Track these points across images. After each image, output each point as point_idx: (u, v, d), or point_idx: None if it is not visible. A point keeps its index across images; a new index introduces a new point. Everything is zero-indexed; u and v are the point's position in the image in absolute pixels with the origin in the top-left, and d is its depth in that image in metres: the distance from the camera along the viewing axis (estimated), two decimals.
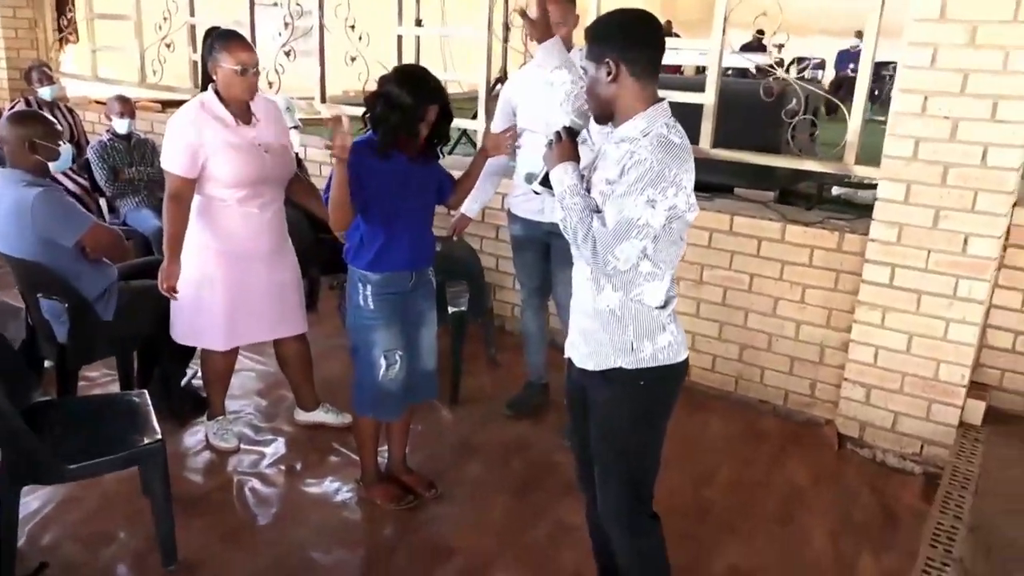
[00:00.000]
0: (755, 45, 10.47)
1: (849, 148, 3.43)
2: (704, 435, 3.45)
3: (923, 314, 3.11)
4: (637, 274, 1.82)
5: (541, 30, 2.23)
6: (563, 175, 1.84)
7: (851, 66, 11.33)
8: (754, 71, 9.97)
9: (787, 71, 10.60)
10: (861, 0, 3.47)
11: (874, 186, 4.20)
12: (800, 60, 11.13)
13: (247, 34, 5.26)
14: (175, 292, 2.83)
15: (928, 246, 3.06)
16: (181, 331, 3.02)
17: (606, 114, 1.87)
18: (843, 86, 9.80)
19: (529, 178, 2.56)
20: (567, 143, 1.89)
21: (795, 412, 3.58)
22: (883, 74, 11.98)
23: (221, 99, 2.81)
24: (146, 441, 2.39)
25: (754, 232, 3.53)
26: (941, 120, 2.96)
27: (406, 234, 2.54)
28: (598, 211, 1.79)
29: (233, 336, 3.01)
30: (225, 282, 2.91)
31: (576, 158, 1.89)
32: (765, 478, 3.14)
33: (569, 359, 2.05)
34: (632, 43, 1.81)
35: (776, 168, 3.81)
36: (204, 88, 2.89)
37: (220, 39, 2.79)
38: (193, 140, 2.75)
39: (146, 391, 2.72)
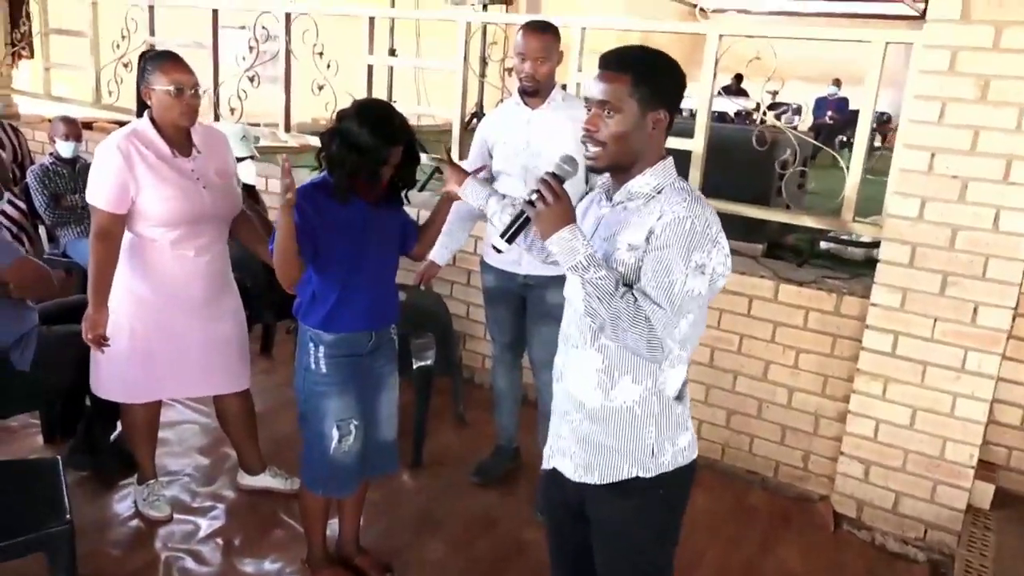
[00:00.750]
0: (734, 89, 10.42)
1: (847, 204, 3.21)
2: (689, 510, 3.13)
3: (928, 387, 2.88)
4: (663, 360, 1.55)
5: (457, 173, 2.02)
6: (572, 241, 1.50)
7: (828, 113, 11.36)
8: (732, 116, 9.96)
9: (764, 116, 10.62)
10: (839, 50, 3.32)
11: (864, 244, 4.06)
12: (776, 105, 11.12)
13: (209, 57, 4.98)
14: (104, 342, 2.49)
15: (935, 314, 2.83)
16: (96, 382, 2.69)
17: (621, 166, 1.58)
18: (820, 133, 9.74)
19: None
20: (565, 198, 1.53)
21: (786, 485, 3.32)
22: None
23: (157, 127, 2.51)
24: (53, 523, 2.04)
25: (744, 290, 3.29)
26: (949, 179, 2.75)
27: (365, 290, 2.24)
28: (625, 284, 1.51)
29: (150, 390, 2.68)
30: (144, 332, 2.59)
31: (575, 217, 1.54)
32: (756, 563, 2.86)
33: (553, 470, 1.72)
34: (680, 97, 1.60)
35: (764, 220, 3.59)
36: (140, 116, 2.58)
37: (152, 60, 2.50)
38: (122, 170, 2.44)
39: (58, 457, 2.37)
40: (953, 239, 2.77)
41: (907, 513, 2.98)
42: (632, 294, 1.47)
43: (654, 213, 1.52)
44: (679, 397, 1.63)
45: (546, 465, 1.74)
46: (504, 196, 1.93)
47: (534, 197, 1.53)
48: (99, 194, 2.46)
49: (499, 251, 1.67)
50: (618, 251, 1.54)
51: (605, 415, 1.61)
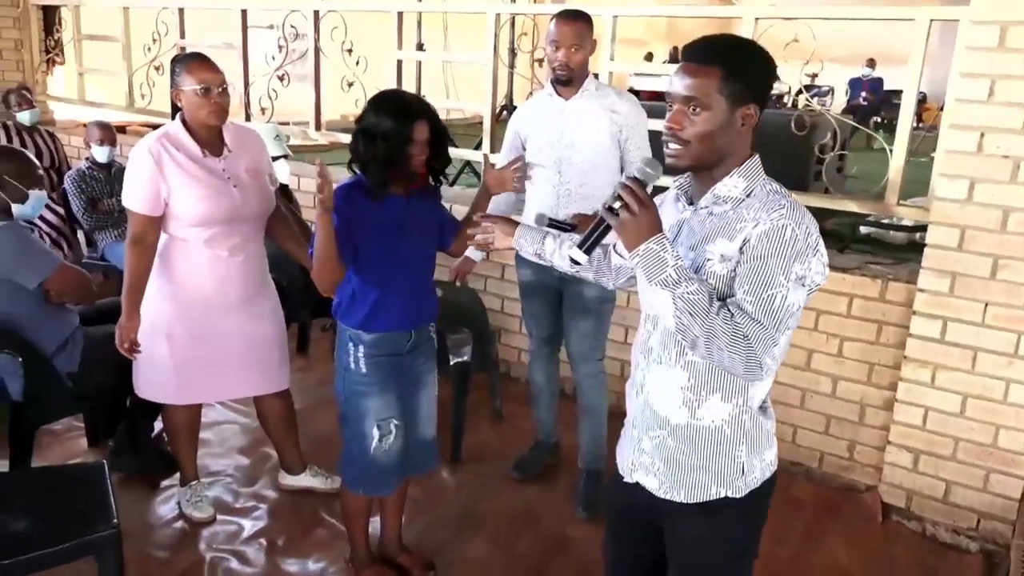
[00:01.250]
0: None
1: (891, 187, 3.13)
2: None
3: (979, 373, 2.79)
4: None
5: (504, 225, 1.91)
6: (661, 253, 1.36)
7: (863, 94, 11.13)
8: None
9: (806, 99, 10.45)
10: (871, 28, 3.24)
11: (907, 228, 3.95)
12: (808, 88, 10.93)
13: (239, 57, 5.00)
14: (136, 348, 2.51)
15: (985, 298, 2.74)
16: (138, 382, 2.71)
17: (706, 166, 1.45)
18: (855, 115, 9.55)
19: (540, 219, 2.25)
20: (652, 206, 1.38)
21: (831, 476, 3.25)
22: (894, 102, 11.83)
23: (188, 128, 2.52)
24: (99, 528, 2.05)
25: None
26: (1000, 159, 2.66)
27: (404, 288, 2.22)
28: (720, 299, 1.40)
29: (189, 392, 2.69)
30: (183, 334, 2.59)
31: (661, 227, 1.40)
32: (803, 556, 2.79)
33: (636, 484, 1.62)
34: (771, 89, 1.46)
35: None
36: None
37: (180, 62, 2.52)
38: (154, 173, 2.45)
39: (104, 461, 2.39)
40: (1004, 221, 2.67)
41: (958, 503, 2.90)
42: (727, 309, 1.36)
43: (747, 220, 1.39)
44: (763, 407, 1.55)
45: (628, 479, 1.63)
46: (558, 233, 1.87)
47: (617, 205, 1.38)
48: (134, 197, 2.47)
49: (577, 263, 1.55)
50: (709, 262, 1.42)
51: (691, 434, 1.51)
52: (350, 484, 2.37)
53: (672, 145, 1.44)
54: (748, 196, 1.43)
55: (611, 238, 1.50)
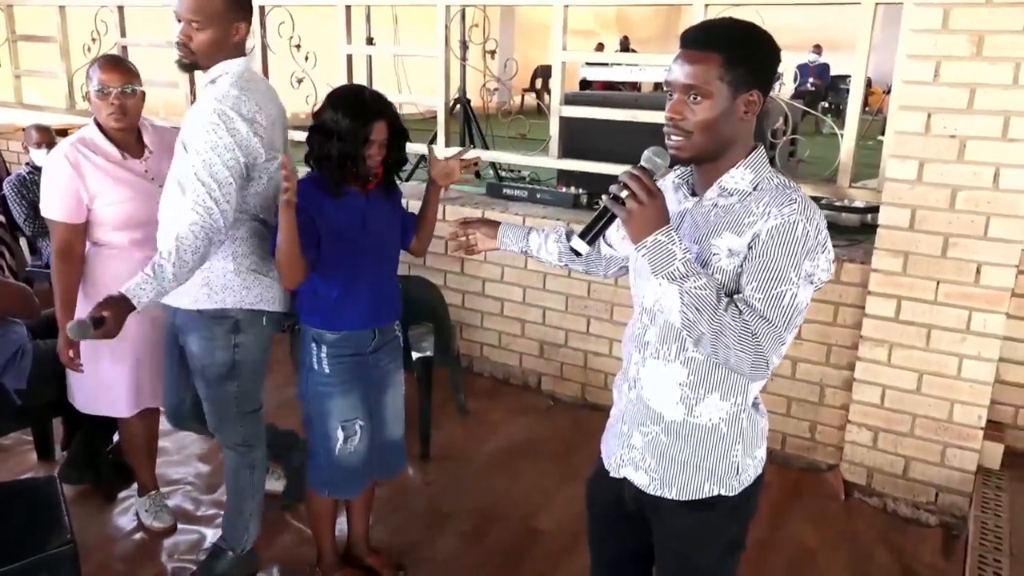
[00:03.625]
0: None
1: (843, 171, 3.17)
2: None
3: (934, 350, 2.85)
4: None
5: (487, 230, 1.93)
6: (669, 245, 1.31)
7: (810, 80, 11.32)
8: None
9: None
10: (817, 14, 3.29)
11: (859, 209, 4.02)
12: None
13: None
14: (79, 363, 2.42)
15: (937, 276, 2.80)
16: (80, 397, 2.62)
17: (710, 157, 1.40)
18: (803, 100, 9.70)
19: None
20: (660, 197, 1.33)
21: (793, 457, 3.29)
22: (841, 87, 12.07)
23: (103, 131, 2.46)
24: (53, 544, 1.97)
25: None
26: (947, 139, 2.71)
27: (368, 285, 2.18)
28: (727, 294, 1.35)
29: (138, 400, 2.61)
30: (123, 339, 2.49)
31: (669, 218, 1.34)
32: (769, 537, 2.83)
33: (624, 479, 1.59)
34: (773, 77, 1.41)
35: None
36: None
37: (90, 65, 2.46)
38: (72, 179, 2.37)
39: (55, 475, 2.31)
40: (953, 199, 2.73)
41: (917, 478, 2.96)
42: (736, 306, 1.31)
43: (756, 214, 1.35)
44: (755, 404, 1.52)
45: (616, 474, 1.60)
46: (543, 229, 1.86)
47: (624, 194, 1.32)
48: (54, 207, 2.39)
49: (578, 254, 1.43)
50: (715, 257, 1.37)
51: (687, 431, 1.48)
52: (316, 486, 2.33)
53: (674, 136, 1.39)
54: (755, 189, 1.38)
55: (611, 229, 1.47)
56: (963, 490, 2.88)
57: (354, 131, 2.02)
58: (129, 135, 2.48)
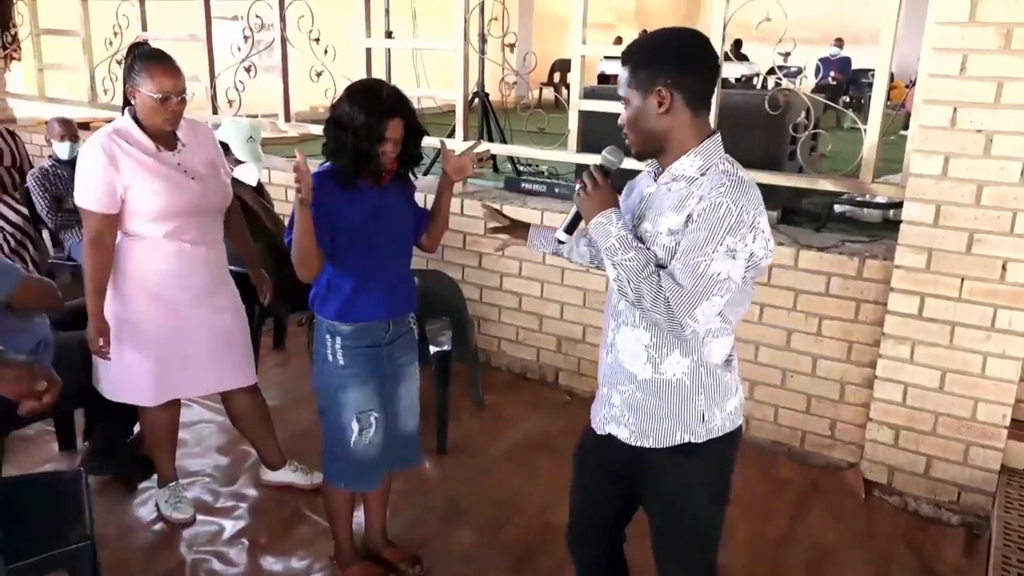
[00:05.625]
0: (733, 54, 10.26)
1: (866, 165, 3.13)
2: None
3: (957, 348, 2.81)
4: (706, 332, 1.62)
5: (517, 233, 2.10)
6: (607, 225, 1.58)
7: (831, 74, 11.19)
8: (732, 81, 9.80)
9: (764, 80, 10.40)
10: (838, 7, 3.24)
11: (882, 205, 3.97)
12: (780, 68, 10.98)
13: (203, 49, 4.89)
14: (108, 351, 2.45)
15: (961, 273, 2.76)
16: (106, 385, 2.64)
17: (652, 150, 1.64)
18: (824, 94, 9.60)
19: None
20: (604, 186, 1.62)
21: (813, 455, 3.26)
22: (862, 81, 11.92)
23: (139, 124, 2.45)
24: (73, 540, 1.98)
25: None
26: (973, 134, 2.67)
27: (382, 277, 2.18)
28: (660, 266, 1.55)
29: (164, 390, 2.63)
30: (152, 329, 2.54)
31: (616, 203, 1.63)
32: (788, 534, 2.81)
33: (608, 435, 1.77)
34: (688, 69, 1.58)
35: (778, 186, 3.50)
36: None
37: (141, 59, 2.41)
38: (107, 169, 2.38)
39: (81, 469, 2.32)
40: (979, 195, 2.69)
41: (939, 477, 2.93)
42: (658, 275, 1.52)
43: (694, 197, 1.53)
44: (727, 362, 1.68)
45: (600, 431, 1.78)
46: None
47: (578, 187, 1.63)
48: (88, 196, 2.40)
49: (561, 242, 1.79)
50: (660, 235, 1.57)
51: (656, 386, 1.66)
52: (332, 479, 2.34)
53: (626, 138, 1.66)
54: (703, 175, 1.56)
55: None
56: (986, 489, 2.84)
57: (369, 127, 2.01)
58: (168, 132, 2.49)
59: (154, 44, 5.11)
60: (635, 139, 1.63)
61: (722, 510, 1.76)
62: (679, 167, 1.60)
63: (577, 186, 1.64)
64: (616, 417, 1.74)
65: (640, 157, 1.68)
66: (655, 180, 1.67)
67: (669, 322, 1.50)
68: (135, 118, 2.45)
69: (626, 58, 1.61)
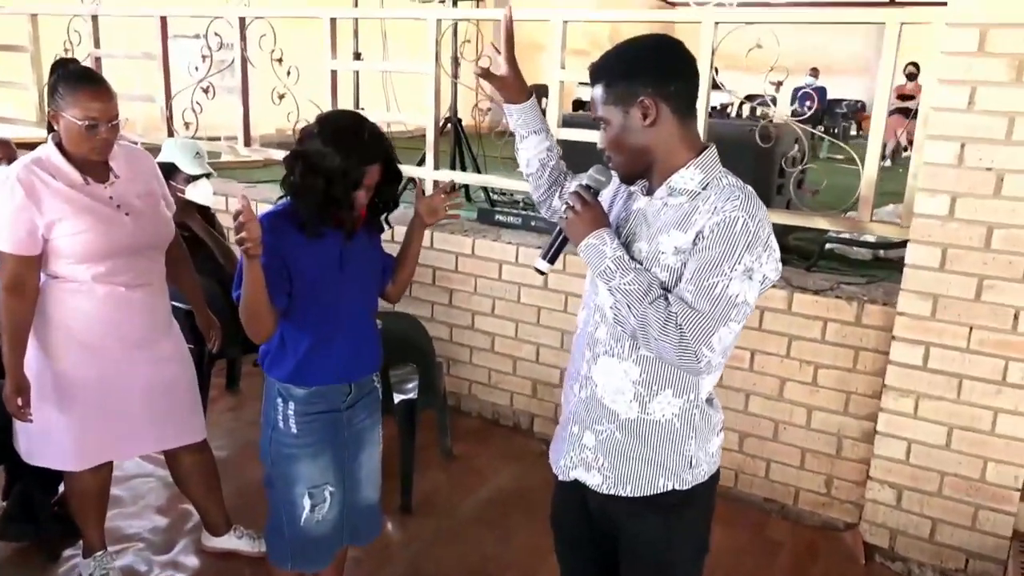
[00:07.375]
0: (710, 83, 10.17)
1: (863, 202, 2.93)
2: None
3: (965, 402, 2.61)
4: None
5: (514, 90, 1.73)
6: (600, 246, 1.43)
7: (807, 104, 11.16)
8: (708, 110, 9.72)
9: (739, 109, 10.31)
10: (815, 37, 3.11)
11: (872, 244, 3.79)
12: (751, 98, 10.93)
13: (159, 68, 4.61)
14: (28, 413, 2.15)
15: (970, 321, 2.56)
16: (24, 446, 2.33)
17: (641, 170, 1.49)
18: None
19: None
20: (594, 205, 1.48)
21: (808, 514, 3.03)
22: (836, 112, 11.93)
23: (64, 153, 2.15)
24: None
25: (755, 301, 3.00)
26: (982, 172, 2.48)
27: (343, 334, 1.91)
28: (665, 289, 1.40)
29: (91, 454, 2.32)
30: (79, 384, 2.23)
31: (607, 223, 1.48)
32: None
33: (575, 482, 1.61)
34: (670, 74, 1.44)
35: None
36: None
37: (66, 80, 2.10)
38: (25, 206, 2.07)
39: None
40: (989, 238, 2.50)
41: (946, 542, 2.71)
42: (665, 299, 1.38)
43: (702, 212, 1.39)
44: (709, 399, 1.56)
45: (564, 477, 1.62)
46: (554, 148, 1.80)
47: (563, 208, 1.50)
48: (2, 236, 2.09)
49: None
50: (663, 255, 1.42)
51: (640, 428, 1.51)
52: (277, 559, 2.05)
53: (610, 164, 1.52)
54: (704, 188, 1.43)
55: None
56: (997, 557, 2.63)
57: (344, 172, 1.75)
58: (98, 162, 2.19)
59: (107, 62, 4.89)
60: (620, 160, 1.49)
61: (701, 560, 1.64)
62: (678, 180, 1.45)
63: (563, 207, 1.51)
64: (587, 461, 1.58)
65: (628, 181, 1.53)
66: (646, 195, 1.52)
67: (680, 352, 1.34)
68: (59, 146, 2.15)
69: (598, 74, 1.47)
